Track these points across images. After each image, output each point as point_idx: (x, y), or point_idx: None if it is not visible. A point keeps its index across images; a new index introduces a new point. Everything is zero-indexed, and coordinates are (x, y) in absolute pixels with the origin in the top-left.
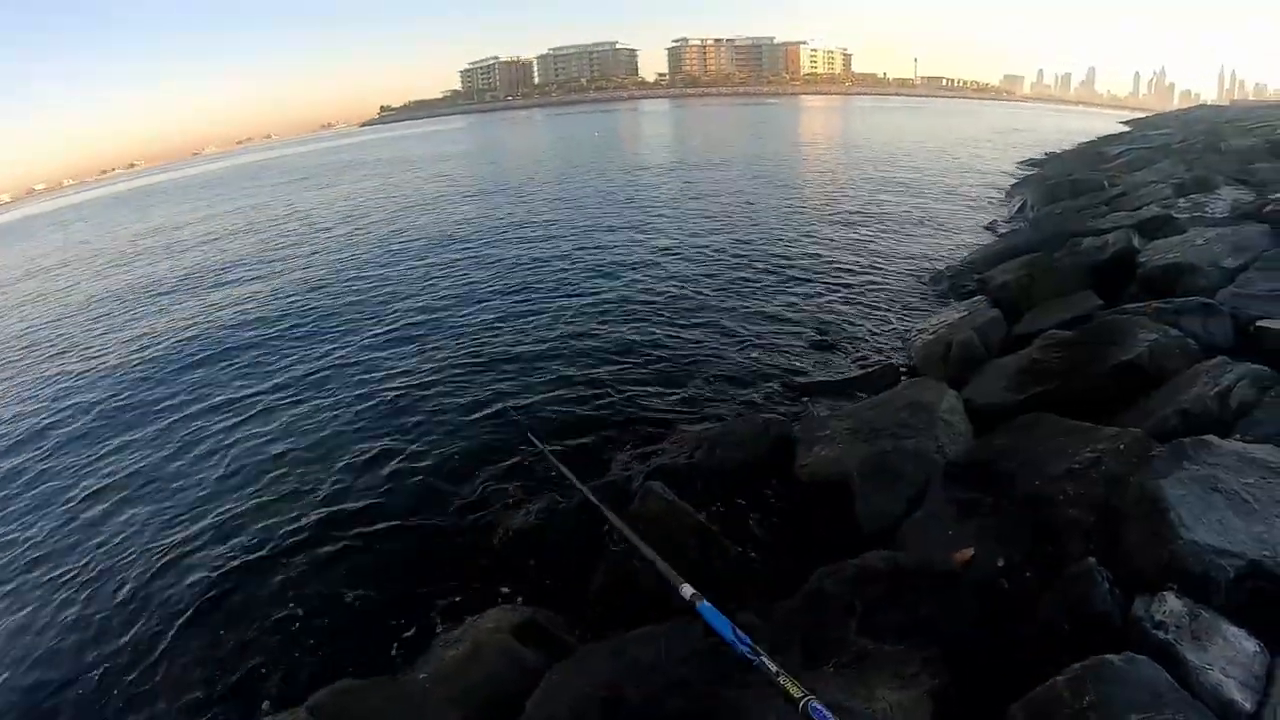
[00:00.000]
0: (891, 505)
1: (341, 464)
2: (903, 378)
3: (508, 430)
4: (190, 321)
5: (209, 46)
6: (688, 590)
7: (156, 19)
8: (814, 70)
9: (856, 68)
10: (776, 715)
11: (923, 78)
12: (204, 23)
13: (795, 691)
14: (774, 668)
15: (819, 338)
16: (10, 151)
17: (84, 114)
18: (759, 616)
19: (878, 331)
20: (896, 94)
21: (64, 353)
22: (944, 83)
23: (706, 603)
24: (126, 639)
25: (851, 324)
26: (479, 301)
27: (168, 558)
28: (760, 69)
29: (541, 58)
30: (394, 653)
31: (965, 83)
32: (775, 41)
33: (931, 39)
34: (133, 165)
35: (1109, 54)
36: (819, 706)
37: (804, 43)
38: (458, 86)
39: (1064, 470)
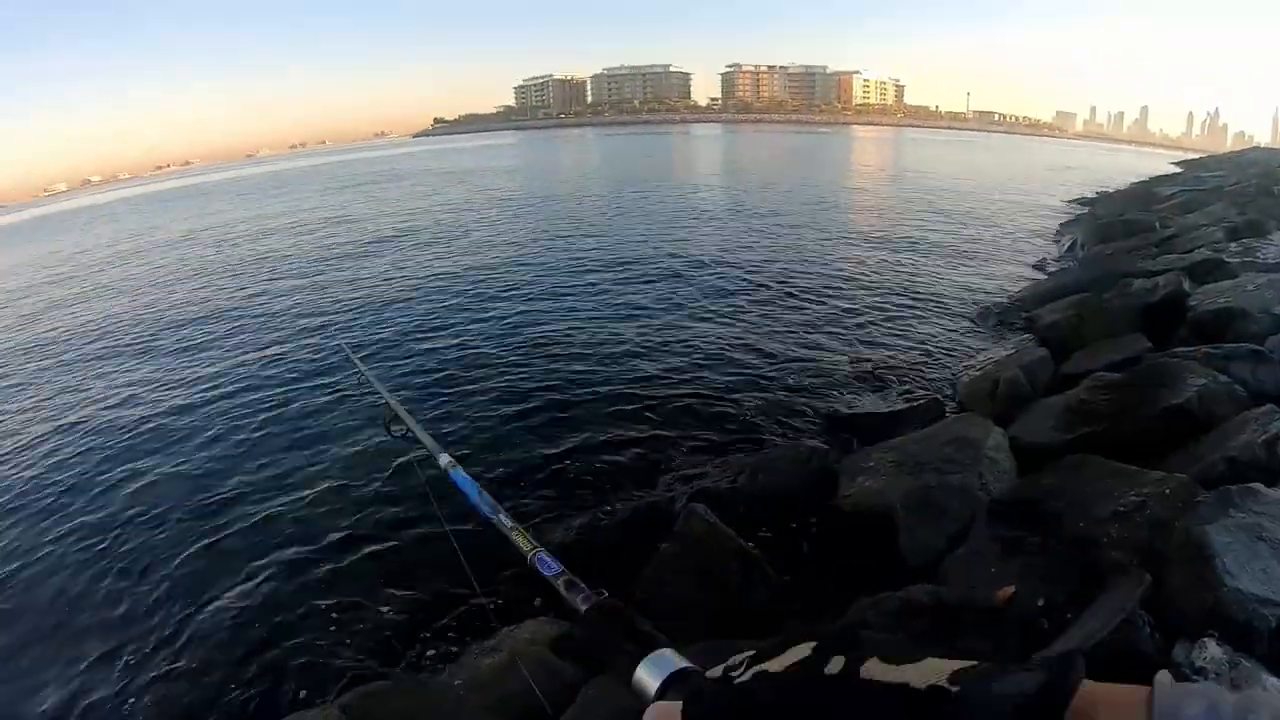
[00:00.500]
0: (935, 540)
1: (382, 464)
2: (948, 413)
3: (549, 440)
4: (221, 315)
5: (268, 49)
6: (444, 458)
7: (218, 20)
8: (866, 100)
9: (909, 99)
10: None
11: (975, 112)
12: (265, 27)
13: (525, 545)
14: (509, 523)
15: (864, 368)
16: (66, 143)
17: (142, 110)
18: None
19: (924, 364)
20: (948, 127)
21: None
22: (996, 117)
23: (460, 469)
24: (158, 625)
25: (897, 355)
26: (522, 313)
27: (205, 546)
28: (813, 97)
29: (595, 77)
30: (428, 657)
31: (1017, 118)
32: (828, 70)
33: (985, 72)
34: (188, 163)
35: (1162, 94)
36: (545, 557)
37: (857, 72)
38: (511, 102)
39: (1109, 512)
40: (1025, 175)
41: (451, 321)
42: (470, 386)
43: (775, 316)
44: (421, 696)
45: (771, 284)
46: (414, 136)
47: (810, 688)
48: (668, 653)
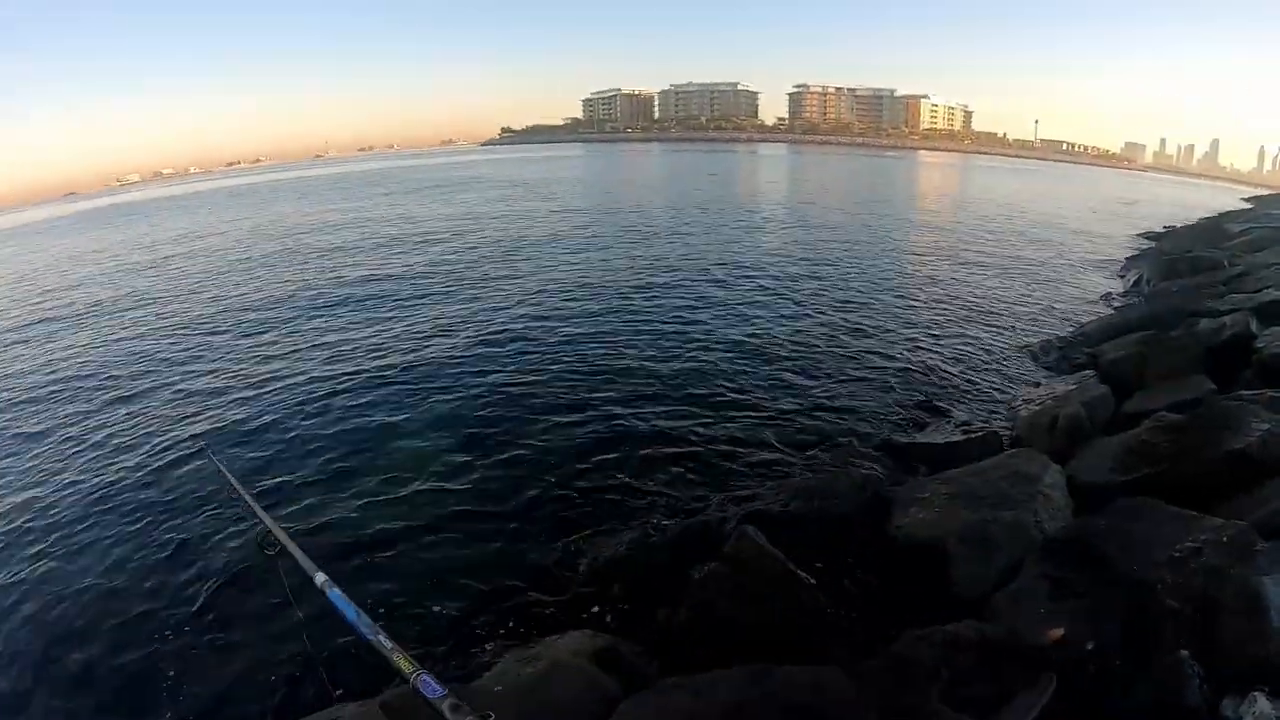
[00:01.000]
0: (986, 575)
1: (441, 467)
2: (1006, 446)
3: (603, 454)
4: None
5: (340, 52)
6: (320, 577)
7: (291, 23)
8: (934, 125)
9: (976, 125)
10: None
11: (1043, 140)
12: (337, 30)
13: (408, 667)
14: (389, 645)
15: (923, 398)
16: (140, 136)
17: (214, 107)
18: (843, 672)
19: (983, 396)
20: (1016, 155)
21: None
22: (1064, 147)
23: (337, 590)
24: (200, 611)
25: (957, 386)
26: (581, 327)
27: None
28: (880, 120)
29: (663, 93)
30: (471, 662)
31: (1085, 148)
32: (896, 94)
33: (1054, 100)
34: (258, 160)
35: (1234, 127)
36: (429, 679)
37: (925, 96)
38: (579, 114)
39: (1164, 558)
40: (1092, 207)
41: (508, 336)
42: (525, 400)
43: (836, 340)
44: (461, 700)
45: (832, 308)
46: (481, 145)
47: None
48: None
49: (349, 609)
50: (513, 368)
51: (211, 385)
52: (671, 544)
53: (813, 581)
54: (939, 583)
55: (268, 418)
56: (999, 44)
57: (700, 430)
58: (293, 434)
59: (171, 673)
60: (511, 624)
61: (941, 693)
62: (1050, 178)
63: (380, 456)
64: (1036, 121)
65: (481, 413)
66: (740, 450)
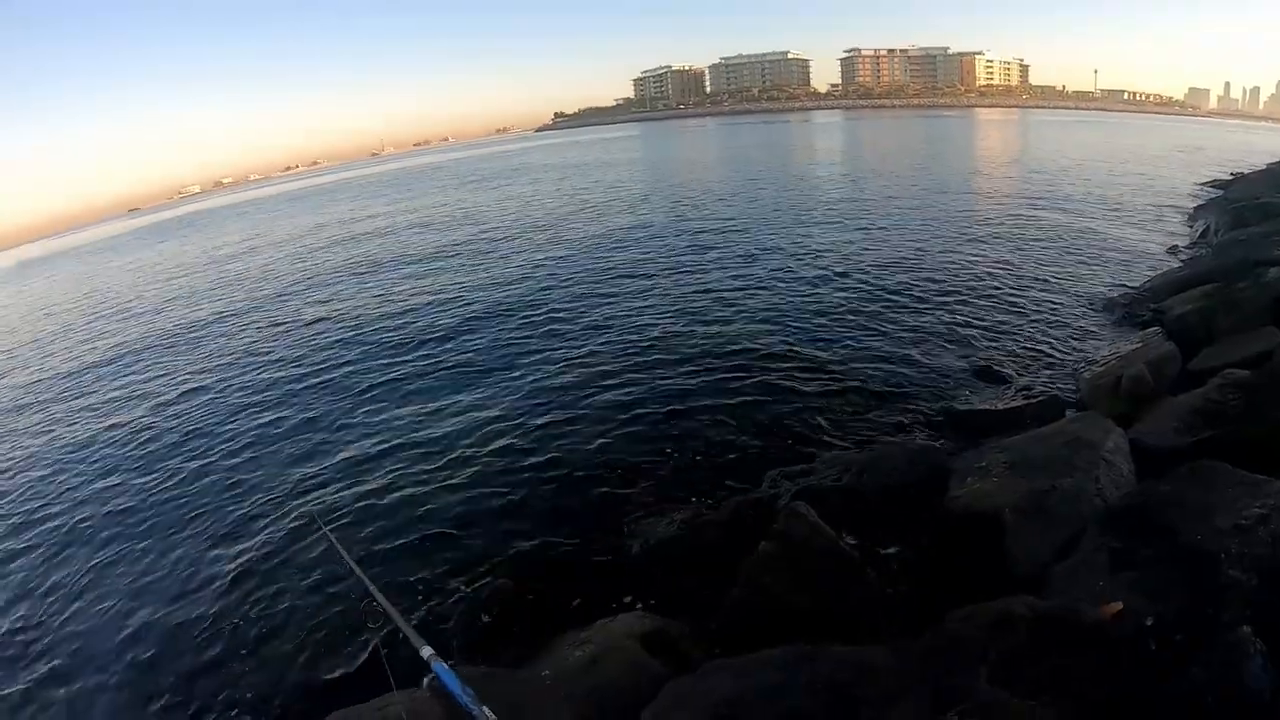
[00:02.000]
0: (1044, 548)
1: (495, 450)
2: (1068, 411)
3: (655, 432)
4: (344, 309)
5: (392, 50)
6: (426, 651)
7: (343, 24)
8: (990, 81)
9: (1033, 79)
10: None
11: (1102, 90)
12: (388, 27)
13: None
14: (492, 716)
15: (981, 362)
16: (199, 147)
17: (269, 112)
18: (889, 651)
19: (1044, 359)
20: (1075, 107)
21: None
22: (1125, 96)
23: (441, 663)
24: (258, 596)
25: (1016, 350)
26: (637, 307)
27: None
28: (934, 80)
29: (713, 67)
30: (521, 644)
31: (1146, 96)
32: (950, 52)
33: (1113, 48)
34: (315, 163)
35: None
36: None
37: (980, 53)
38: (630, 94)
39: (1230, 525)
40: (1155, 156)
41: (562, 316)
42: (577, 379)
43: (891, 305)
44: (511, 684)
45: (887, 273)
46: (536, 131)
47: None
48: None
49: (454, 682)
50: (562, 349)
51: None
52: (723, 522)
53: (864, 559)
54: (995, 556)
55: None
56: None
57: (754, 404)
58: (358, 420)
59: None
60: (564, 606)
61: (991, 672)
62: (1111, 129)
63: (433, 437)
64: (1095, 71)
65: (534, 393)
66: (794, 423)
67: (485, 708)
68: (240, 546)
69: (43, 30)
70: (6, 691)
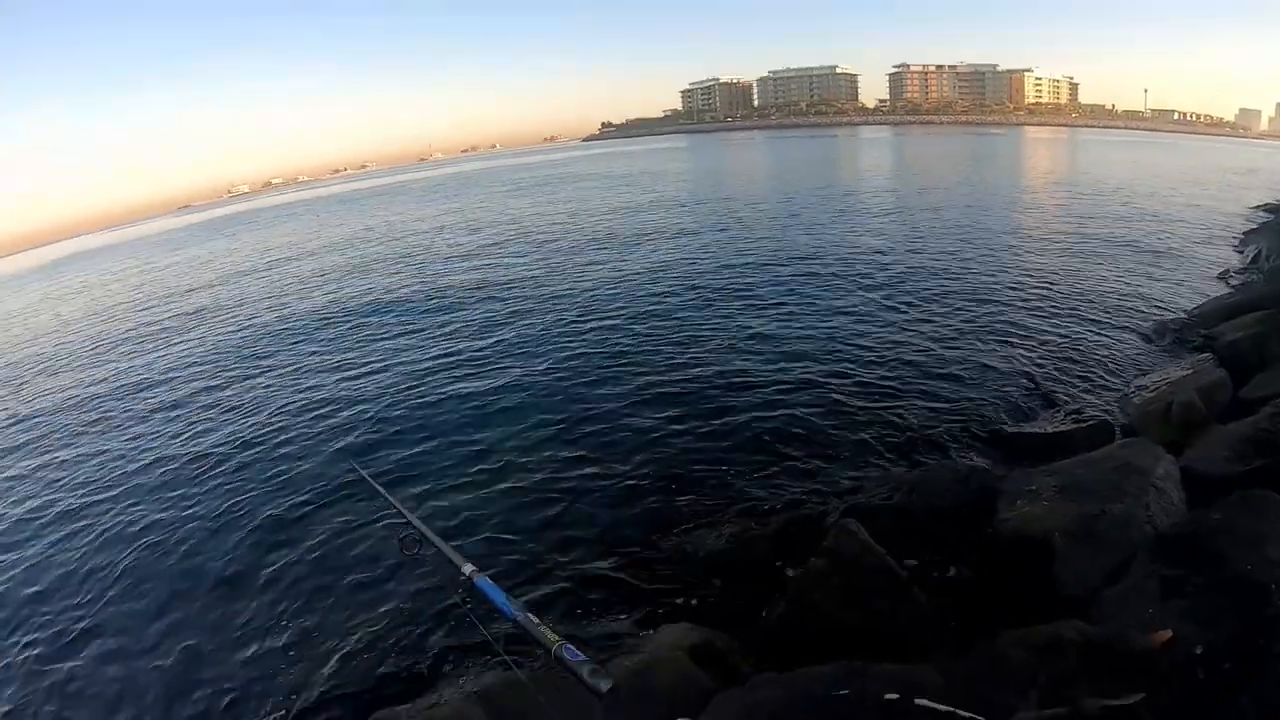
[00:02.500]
0: (1093, 573)
1: (544, 457)
2: (1117, 436)
3: (704, 446)
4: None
5: (440, 56)
6: (468, 568)
7: (392, 27)
8: (1039, 99)
9: (1083, 97)
10: None
11: (1152, 110)
12: (438, 31)
13: (551, 638)
14: (535, 620)
15: (1030, 385)
16: (250, 147)
17: (319, 115)
18: (937, 671)
19: (1094, 383)
20: (1124, 126)
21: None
22: (1174, 116)
23: (483, 577)
24: (305, 598)
25: (1066, 373)
26: (685, 319)
27: (369, 522)
28: (983, 97)
29: (761, 80)
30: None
31: (1197, 116)
32: (999, 69)
33: (1164, 66)
34: (364, 166)
35: None
36: (570, 647)
37: (1029, 70)
38: (678, 106)
39: None
40: (1206, 179)
41: (611, 326)
42: (626, 389)
43: (941, 325)
44: (557, 693)
45: (937, 293)
46: (583, 141)
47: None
48: None
49: (496, 593)
50: (614, 356)
51: (348, 389)
52: (772, 537)
53: (913, 578)
54: (1044, 580)
55: (393, 413)
56: (1106, 8)
57: (803, 420)
58: (412, 428)
59: (343, 649)
60: (611, 614)
61: (1040, 696)
62: (1161, 149)
63: (483, 445)
64: (1146, 90)
65: (585, 401)
66: (844, 440)
67: (528, 614)
68: (290, 501)
69: (98, 29)
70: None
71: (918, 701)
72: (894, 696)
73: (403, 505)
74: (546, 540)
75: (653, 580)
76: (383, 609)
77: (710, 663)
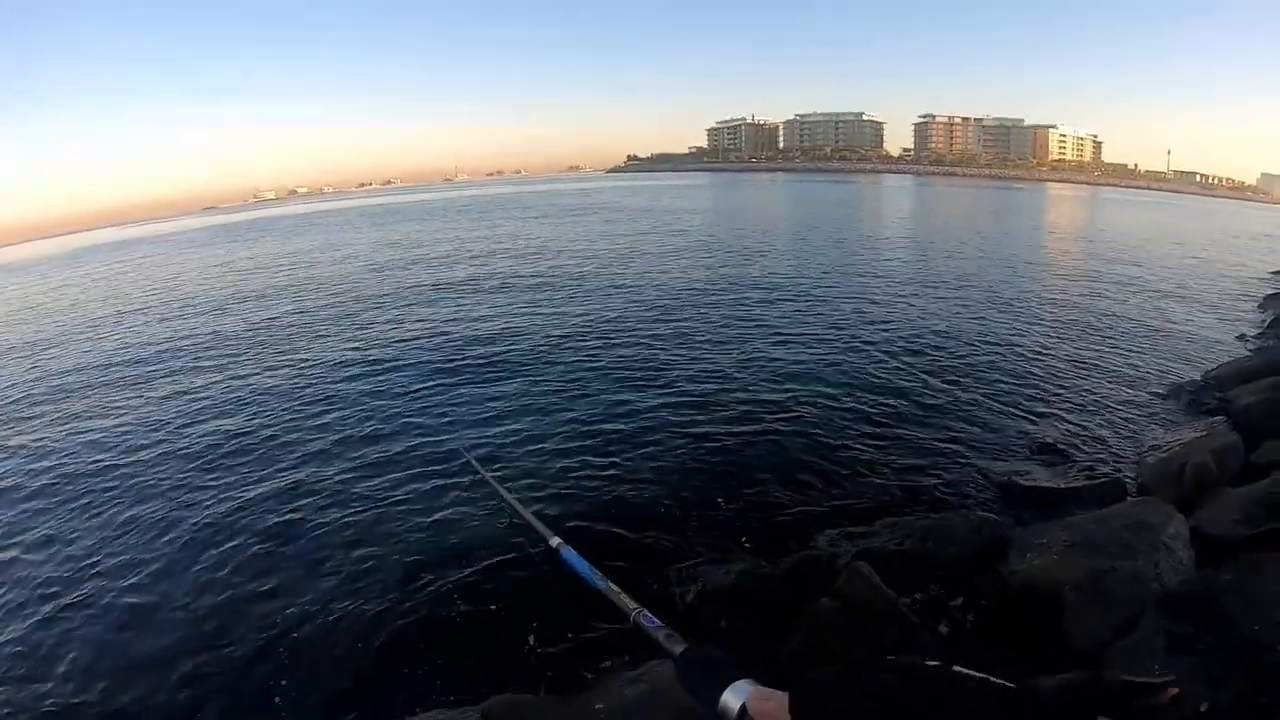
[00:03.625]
0: (1101, 627)
1: (550, 478)
2: (1129, 494)
3: (717, 484)
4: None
5: (469, 80)
6: (555, 540)
7: (422, 49)
8: (1062, 156)
9: (1106, 156)
10: None
11: (1175, 171)
12: (468, 58)
13: (631, 605)
14: (616, 589)
15: (1046, 440)
16: (276, 154)
17: (347, 129)
18: None
19: (1108, 441)
20: (1146, 187)
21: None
22: (1197, 178)
23: (569, 549)
24: (313, 609)
25: (1082, 429)
26: (697, 355)
27: (383, 534)
28: (1007, 151)
29: (788, 123)
30: (575, 676)
31: (1219, 180)
32: (1024, 124)
33: (1188, 128)
34: (389, 182)
35: None
36: (648, 614)
37: (1053, 126)
38: (703, 143)
39: None
40: (1227, 241)
41: (622, 358)
42: (632, 423)
43: (953, 374)
44: (561, 714)
45: (951, 342)
46: (607, 172)
47: (911, 677)
48: (744, 683)
49: (580, 563)
50: (620, 388)
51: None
52: (781, 576)
53: (923, 623)
54: (1053, 632)
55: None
56: (1132, 70)
57: (812, 463)
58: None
59: (436, 620)
60: (617, 644)
61: None
62: (1182, 211)
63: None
64: (1169, 152)
65: (587, 431)
66: (856, 484)
67: (609, 582)
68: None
69: (134, 37)
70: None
71: (955, 669)
72: (935, 663)
73: (496, 482)
74: (549, 565)
75: (657, 611)
76: (466, 574)
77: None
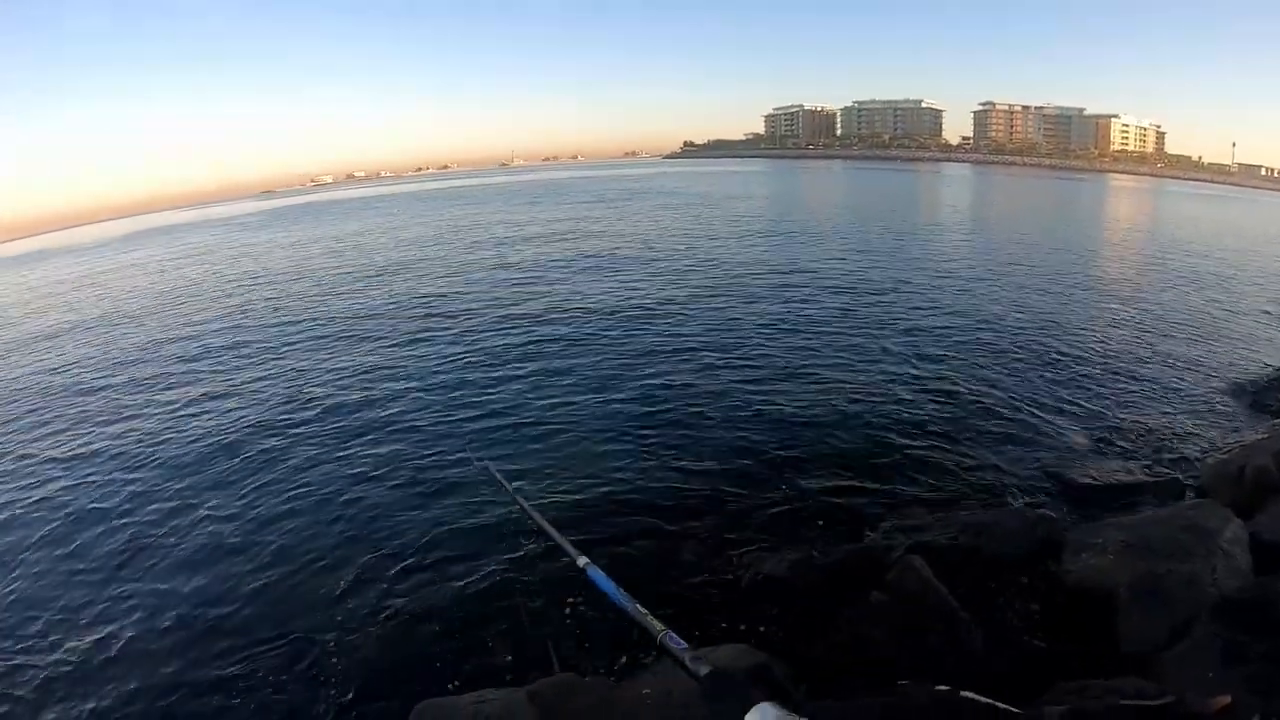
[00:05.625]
0: (1155, 631)
1: (612, 468)
2: (1188, 495)
3: (773, 474)
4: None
5: (525, 67)
6: (582, 560)
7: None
8: (1124, 146)
9: (1169, 147)
10: None
11: (1239, 164)
12: (524, 45)
13: (657, 627)
14: (643, 610)
15: (1100, 435)
16: (336, 139)
17: (404, 114)
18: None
19: (1167, 441)
20: (1210, 180)
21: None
22: (1262, 171)
23: (596, 569)
24: (377, 590)
25: (1137, 428)
26: (758, 345)
27: (449, 521)
28: (1068, 141)
29: (845, 109)
30: (623, 660)
31: None
32: (1085, 113)
33: (1254, 118)
34: (445, 167)
35: None
36: (673, 635)
37: (1115, 116)
38: (760, 129)
39: None
40: None
41: (691, 343)
42: (699, 410)
43: (1014, 372)
44: (607, 697)
45: (1008, 335)
46: (664, 158)
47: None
48: (767, 705)
49: (607, 584)
50: (688, 375)
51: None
52: (833, 567)
53: (973, 620)
54: (1105, 634)
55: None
56: (1199, 57)
57: (873, 454)
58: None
59: (456, 634)
60: (671, 630)
61: None
62: (1248, 205)
63: (554, 454)
64: (1234, 144)
65: (657, 415)
66: (912, 477)
67: (636, 604)
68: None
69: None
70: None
71: (963, 694)
72: (944, 689)
73: (523, 499)
74: (603, 549)
75: (711, 597)
76: (487, 592)
77: (765, 686)
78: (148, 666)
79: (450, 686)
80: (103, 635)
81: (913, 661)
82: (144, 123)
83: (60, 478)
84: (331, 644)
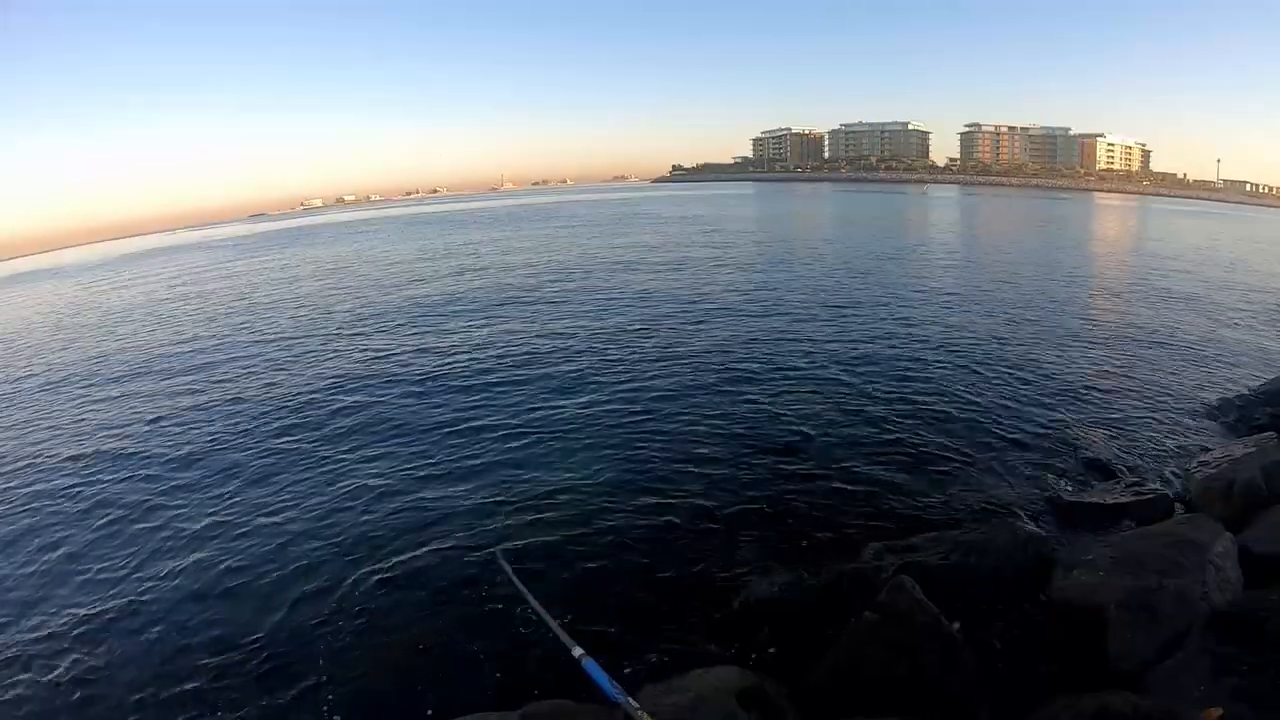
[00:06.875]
0: (1145, 646)
1: (603, 491)
2: (1177, 510)
3: (762, 493)
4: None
5: (514, 88)
6: (577, 651)
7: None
8: (1110, 165)
9: (1154, 165)
10: None
11: (1224, 181)
12: (513, 66)
13: None
14: (634, 704)
15: (1092, 455)
16: (324, 163)
17: (394, 138)
18: None
19: (1155, 456)
20: (1195, 196)
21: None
22: (1247, 187)
23: (591, 660)
24: (365, 621)
25: (1127, 445)
26: (746, 369)
27: (440, 546)
28: (1054, 160)
29: (833, 132)
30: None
31: (1269, 189)
32: (1071, 133)
33: (1238, 136)
34: (435, 191)
35: None
36: None
37: (1101, 135)
38: (748, 153)
39: None
40: (1277, 253)
41: (677, 373)
42: (689, 436)
43: (1002, 389)
44: (602, 717)
45: (996, 356)
46: (653, 182)
47: None
48: None
49: (601, 676)
50: (675, 401)
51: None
52: (824, 588)
53: (965, 638)
54: (1096, 650)
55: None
56: (1182, 76)
57: (861, 477)
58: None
59: None
60: (660, 650)
61: None
62: (1233, 221)
63: (546, 479)
64: (1219, 161)
65: (648, 443)
66: (901, 499)
67: (630, 699)
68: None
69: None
70: None
71: None
72: None
73: (525, 587)
74: (602, 572)
75: (703, 621)
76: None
77: (757, 707)
78: (134, 683)
79: (445, 710)
80: (79, 656)
81: (907, 680)
82: (132, 145)
83: (41, 502)
84: (324, 676)
